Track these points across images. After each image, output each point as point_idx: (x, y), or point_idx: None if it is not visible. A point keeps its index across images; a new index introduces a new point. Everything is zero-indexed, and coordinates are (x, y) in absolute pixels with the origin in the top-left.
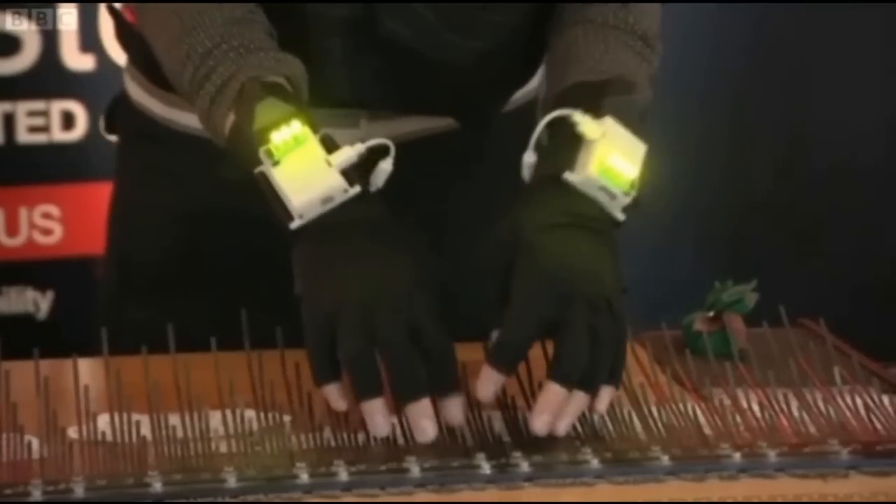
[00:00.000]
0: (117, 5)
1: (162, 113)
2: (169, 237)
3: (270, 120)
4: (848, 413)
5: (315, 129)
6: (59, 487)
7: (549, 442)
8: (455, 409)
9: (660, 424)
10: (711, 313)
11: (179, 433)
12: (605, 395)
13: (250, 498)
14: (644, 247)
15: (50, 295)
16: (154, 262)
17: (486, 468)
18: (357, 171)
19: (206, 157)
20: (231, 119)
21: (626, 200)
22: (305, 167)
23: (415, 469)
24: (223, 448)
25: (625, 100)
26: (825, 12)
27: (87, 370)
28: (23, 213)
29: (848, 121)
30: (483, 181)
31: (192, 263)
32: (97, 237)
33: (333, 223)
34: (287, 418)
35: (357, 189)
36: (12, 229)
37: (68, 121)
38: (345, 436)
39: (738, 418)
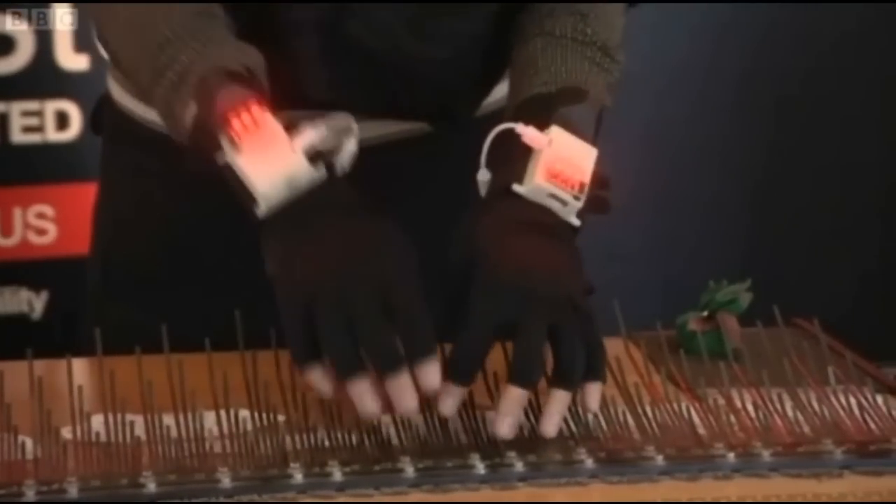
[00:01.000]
0: None
1: (142, 114)
2: (151, 237)
3: (231, 105)
4: (842, 413)
5: (275, 114)
6: (52, 488)
7: (543, 442)
8: (431, 375)
9: (654, 424)
10: (706, 313)
11: (173, 433)
12: (592, 391)
13: (244, 498)
14: (638, 246)
15: (44, 295)
16: (136, 262)
17: (480, 468)
18: (322, 155)
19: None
20: (192, 108)
21: (579, 205)
22: (268, 152)
23: (409, 469)
24: (217, 448)
25: (577, 108)
26: (825, 12)
27: (81, 370)
28: (17, 213)
29: (846, 121)
30: (456, 184)
31: (174, 263)
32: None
33: (301, 206)
34: (281, 418)
35: (322, 171)
36: (6, 229)
37: (62, 121)
38: (339, 436)
39: (733, 418)
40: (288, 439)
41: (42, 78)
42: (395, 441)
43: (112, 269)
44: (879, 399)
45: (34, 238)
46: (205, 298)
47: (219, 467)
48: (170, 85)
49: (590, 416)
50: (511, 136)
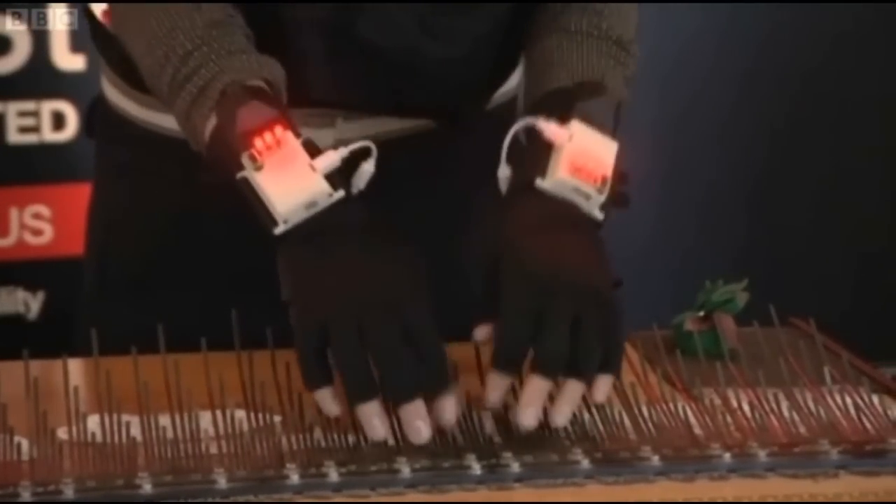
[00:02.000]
0: (94, 7)
1: (138, 114)
2: (145, 238)
3: (253, 124)
4: (838, 413)
5: (297, 134)
6: (48, 489)
7: (539, 442)
8: (448, 409)
9: (650, 424)
10: (702, 313)
11: (169, 434)
12: (602, 383)
13: (240, 499)
14: (634, 246)
15: (41, 295)
16: (131, 262)
17: (476, 468)
18: (340, 175)
19: (182, 159)
20: (212, 122)
21: (602, 199)
22: (289, 172)
23: (405, 469)
24: (213, 449)
25: (596, 102)
26: (825, 12)
27: (77, 371)
28: (13, 213)
29: (845, 121)
30: (461, 179)
31: (169, 263)
32: None
33: (318, 228)
34: (277, 419)
35: (341, 193)
36: (3, 230)
37: (59, 121)
38: (335, 436)
39: (729, 418)
40: (284, 440)
41: (38, 78)
42: (391, 442)
43: (107, 270)
44: (876, 399)
45: (30, 238)
46: (201, 298)
47: (215, 468)
48: (190, 98)
49: (586, 417)
50: (529, 131)
